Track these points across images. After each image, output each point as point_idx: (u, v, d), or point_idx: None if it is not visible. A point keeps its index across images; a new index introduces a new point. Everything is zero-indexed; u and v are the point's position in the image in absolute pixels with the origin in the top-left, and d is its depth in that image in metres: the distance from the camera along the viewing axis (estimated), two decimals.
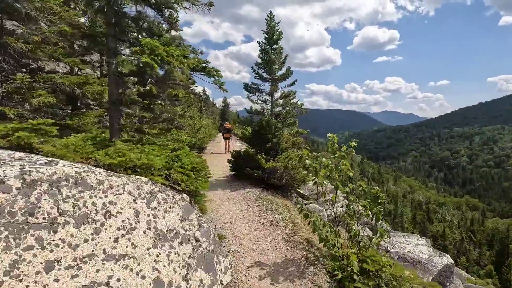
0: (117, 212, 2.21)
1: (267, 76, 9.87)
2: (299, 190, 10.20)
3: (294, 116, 9.97)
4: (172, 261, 2.28)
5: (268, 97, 10.00)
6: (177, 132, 12.37)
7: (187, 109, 18.63)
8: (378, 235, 4.01)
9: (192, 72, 5.05)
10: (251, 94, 9.84)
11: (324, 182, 4.33)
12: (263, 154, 8.83)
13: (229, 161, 10.02)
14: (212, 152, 19.12)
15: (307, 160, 4.28)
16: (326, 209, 8.26)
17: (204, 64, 4.82)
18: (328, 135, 4.35)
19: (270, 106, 9.96)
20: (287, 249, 4.58)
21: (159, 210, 2.43)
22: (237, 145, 26.13)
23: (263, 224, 5.52)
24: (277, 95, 9.94)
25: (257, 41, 9.72)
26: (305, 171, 9.83)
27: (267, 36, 9.68)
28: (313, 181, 4.46)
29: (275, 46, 9.74)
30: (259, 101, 10.24)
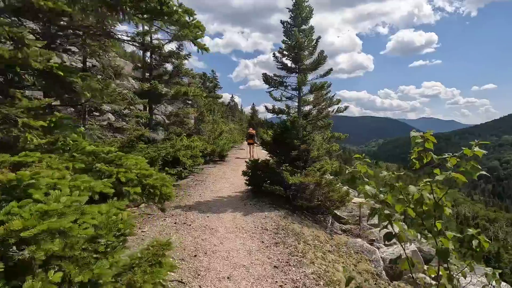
0: None
1: (293, 65, 7.70)
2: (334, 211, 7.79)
3: (328, 116, 7.66)
4: None
5: (295, 92, 7.79)
6: (184, 137, 10.55)
7: (206, 113, 16.94)
8: None
9: (143, 15, 3.01)
10: (273, 89, 7.70)
11: (408, 233, 2.04)
12: (287, 165, 6.62)
13: (244, 173, 7.91)
14: (237, 157, 18.21)
15: (367, 186, 2.04)
16: (377, 246, 5.78)
17: None
18: (413, 133, 2.09)
19: (297, 104, 7.75)
20: None
21: None
22: (263, 152, 24.20)
23: (281, 287, 3.30)
24: (306, 89, 7.71)
25: (280, 21, 7.62)
26: (344, 188, 7.42)
27: (293, 14, 7.55)
28: (381, 228, 2.17)
29: (304, 27, 7.56)
30: (283, 98, 8.07)
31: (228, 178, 11.03)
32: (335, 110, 7.40)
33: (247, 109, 69.69)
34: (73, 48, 6.47)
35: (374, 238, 7.03)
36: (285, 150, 6.95)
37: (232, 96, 58.02)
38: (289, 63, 7.72)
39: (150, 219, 5.46)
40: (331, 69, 7.37)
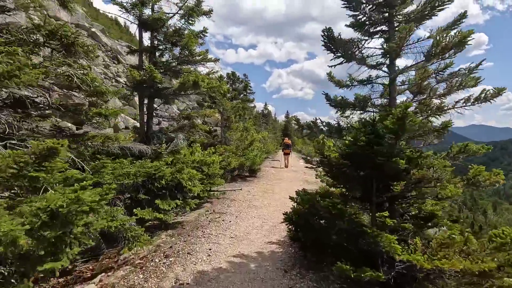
0: None
1: (382, 15, 4.09)
2: None
3: (442, 110, 3.91)
4: None
5: (383, 70, 4.16)
6: (197, 149, 7.31)
7: (234, 118, 13.73)
8: None
9: None
10: (340, 61, 4.12)
11: None
12: (385, 212, 2.94)
13: (287, 218, 4.35)
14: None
15: None
16: None
17: None
18: None
19: (388, 88, 4.09)
20: None
21: None
22: (300, 164, 20.64)
23: None
24: (402, 62, 4.05)
25: None
26: None
27: None
28: None
29: None
30: (354, 82, 4.45)
31: (260, 207, 7.55)
32: (472, 99, 3.61)
33: (281, 118, 66.42)
34: None
35: None
36: (375, 178, 3.30)
37: (266, 104, 55.34)
38: (371, 11, 4.08)
39: None
40: (464, 13, 3.57)
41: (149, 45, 7.17)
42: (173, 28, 7.15)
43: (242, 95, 18.02)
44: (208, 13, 7.54)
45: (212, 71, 8.03)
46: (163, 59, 7.46)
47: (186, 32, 6.97)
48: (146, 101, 7.05)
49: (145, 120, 6.99)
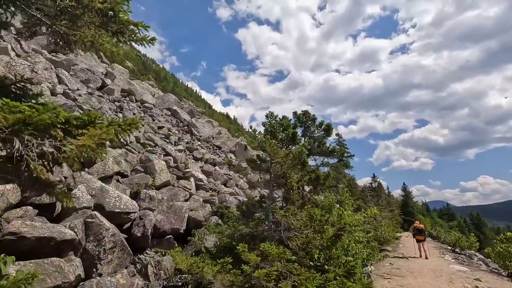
0: None
1: None
2: None
3: None
4: None
5: None
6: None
7: (296, 184, 6.71)
8: None
9: None
10: None
11: None
12: None
13: None
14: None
15: None
16: None
17: None
18: None
19: None
20: None
21: None
22: (456, 268, 10.75)
23: None
24: None
25: None
26: None
27: None
28: None
29: None
30: None
31: None
32: None
33: (396, 192, 52.36)
34: None
35: None
36: None
37: (374, 176, 44.28)
38: None
39: None
40: None
41: None
42: None
43: (320, 147, 10.72)
44: None
45: None
46: None
47: None
48: None
49: None
